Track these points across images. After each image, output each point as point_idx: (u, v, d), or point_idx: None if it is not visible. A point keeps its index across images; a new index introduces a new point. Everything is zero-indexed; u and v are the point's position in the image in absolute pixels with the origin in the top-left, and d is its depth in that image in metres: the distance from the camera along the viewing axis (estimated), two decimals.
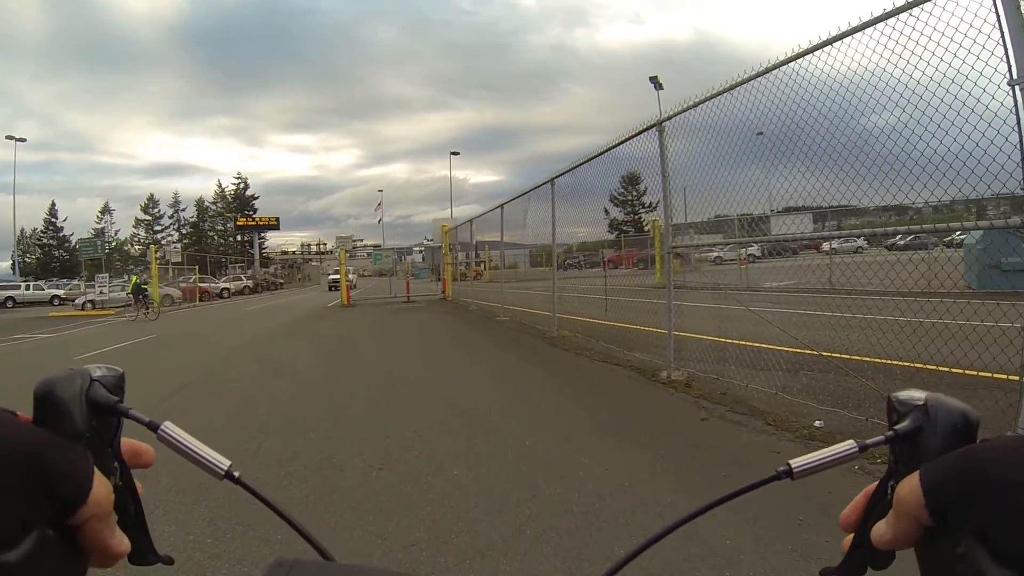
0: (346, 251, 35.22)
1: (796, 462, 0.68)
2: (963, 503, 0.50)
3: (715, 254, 26.18)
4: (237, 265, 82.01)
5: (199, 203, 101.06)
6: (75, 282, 40.62)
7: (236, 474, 0.69)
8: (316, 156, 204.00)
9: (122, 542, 0.60)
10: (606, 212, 17.87)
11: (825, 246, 17.51)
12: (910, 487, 0.54)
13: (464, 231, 30.05)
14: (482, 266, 34.28)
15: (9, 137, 58.28)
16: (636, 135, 9.79)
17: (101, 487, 0.56)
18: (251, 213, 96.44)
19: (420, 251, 38.01)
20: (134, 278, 35.42)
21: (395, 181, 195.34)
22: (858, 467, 4.55)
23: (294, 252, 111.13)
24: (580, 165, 12.71)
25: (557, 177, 14.07)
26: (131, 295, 32.90)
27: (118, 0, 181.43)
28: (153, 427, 0.65)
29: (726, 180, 8.26)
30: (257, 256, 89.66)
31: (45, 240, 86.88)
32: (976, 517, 0.49)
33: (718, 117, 8.07)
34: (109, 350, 16.74)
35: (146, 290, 32.97)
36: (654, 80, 63.34)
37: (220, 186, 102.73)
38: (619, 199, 64.50)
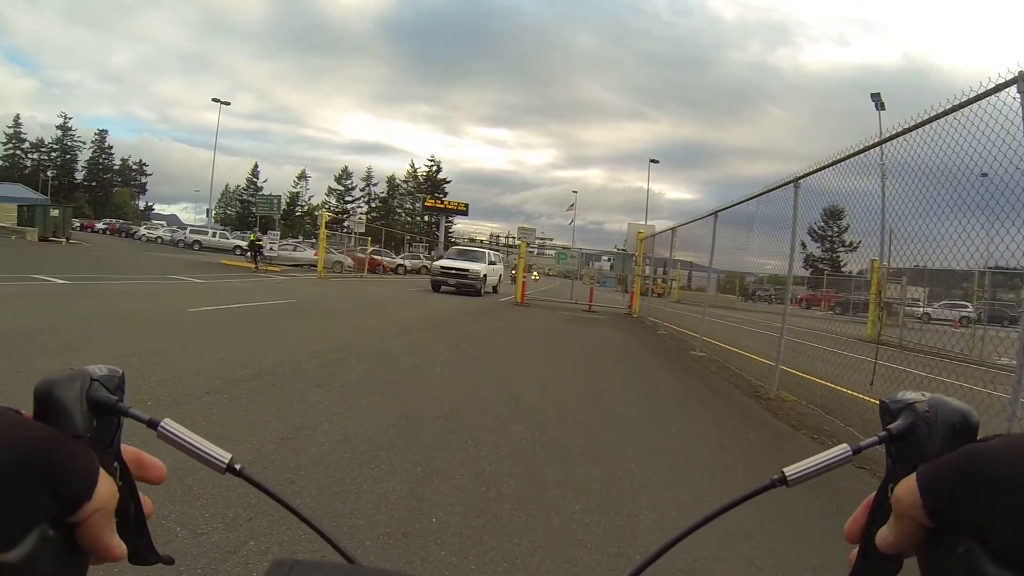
0: (527, 244, 31.69)
1: (790, 469, 0.68)
2: (960, 502, 0.50)
3: (923, 310, 23.80)
4: (421, 245, 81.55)
5: (390, 180, 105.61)
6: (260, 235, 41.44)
7: (238, 467, 0.70)
8: (513, 151, 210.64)
9: (120, 544, 0.59)
10: (803, 246, 16.68)
11: None
12: (907, 487, 0.54)
13: (660, 242, 27.04)
14: (669, 284, 31.52)
15: (215, 100, 63.15)
16: (857, 153, 8.50)
17: (106, 485, 0.57)
18: (441, 196, 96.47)
19: (608, 259, 34.14)
20: (251, 235, 40.41)
21: (590, 186, 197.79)
22: None
23: (482, 241, 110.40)
24: (833, 164, 9.43)
25: (803, 177, 10.46)
26: (248, 249, 39.22)
27: None
28: (153, 424, 0.65)
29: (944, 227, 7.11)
30: (442, 238, 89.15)
31: (245, 196, 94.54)
32: (974, 516, 0.49)
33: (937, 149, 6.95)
34: (227, 308, 15.06)
35: (261, 245, 36.66)
36: (876, 98, 56.86)
37: (413, 166, 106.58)
38: (818, 233, 62.07)
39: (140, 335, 9.89)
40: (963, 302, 25.41)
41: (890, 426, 0.62)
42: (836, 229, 59.89)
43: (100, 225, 77.78)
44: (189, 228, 64.27)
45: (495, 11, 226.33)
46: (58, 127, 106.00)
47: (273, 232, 40.82)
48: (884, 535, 0.57)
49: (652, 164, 77.87)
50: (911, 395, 0.63)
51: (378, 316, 16.38)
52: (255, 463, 4.74)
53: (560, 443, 6.18)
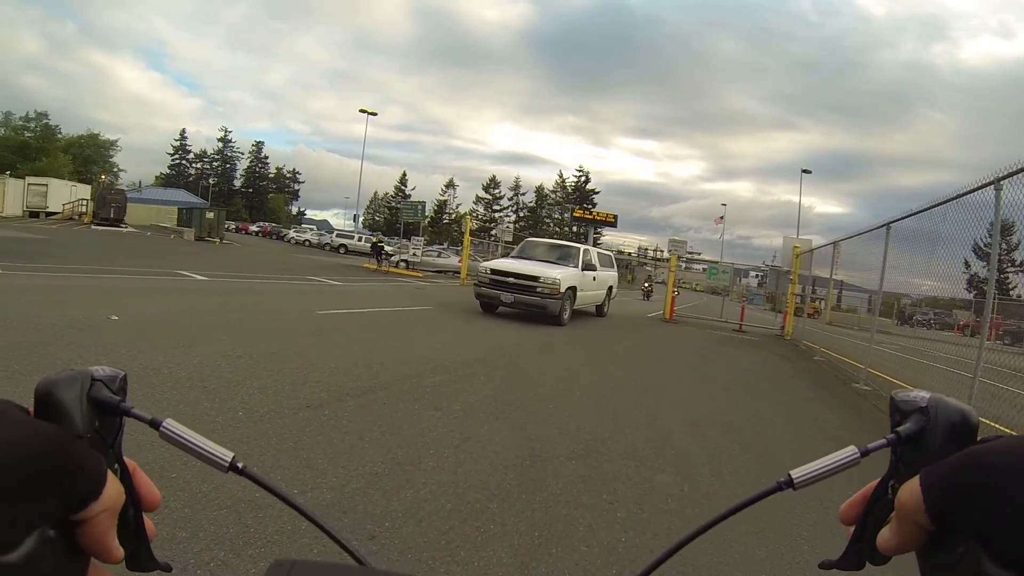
0: (678, 257, 30.71)
1: (797, 472, 0.69)
2: (963, 504, 0.51)
3: None
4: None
5: (539, 190, 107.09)
6: (403, 241, 43.01)
7: (240, 465, 0.69)
8: (660, 163, 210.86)
9: (118, 548, 0.59)
10: (966, 265, 14.46)
11: None
12: (910, 491, 0.55)
13: (815, 258, 25.40)
14: (821, 304, 29.32)
15: (362, 111, 63.34)
16: None
17: (113, 486, 0.58)
18: (589, 207, 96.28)
19: (757, 275, 32.86)
20: (375, 238, 43.63)
21: (738, 199, 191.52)
22: None
23: (630, 253, 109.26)
24: None
25: (1007, 177, 8.78)
26: (372, 251, 42.41)
27: (473, 10, 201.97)
28: (155, 425, 0.65)
29: None
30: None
31: (393, 203, 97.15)
32: (976, 518, 0.50)
33: None
34: (358, 312, 15.31)
35: (382, 247, 39.23)
36: None
37: (561, 176, 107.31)
38: (985, 251, 57.24)
39: (258, 334, 10.00)
40: None
41: (899, 428, 0.63)
42: (1005, 247, 55.07)
43: (254, 228, 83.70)
44: (336, 232, 67.01)
45: (636, 21, 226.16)
46: (219, 139, 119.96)
47: (417, 238, 41.70)
48: (885, 538, 0.59)
49: (804, 175, 74.80)
50: (922, 396, 0.63)
51: (516, 328, 15.91)
52: (333, 504, 4.22)
53: (715, 503, 5.16)
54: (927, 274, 13.23)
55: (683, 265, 32.82)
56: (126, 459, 0.63)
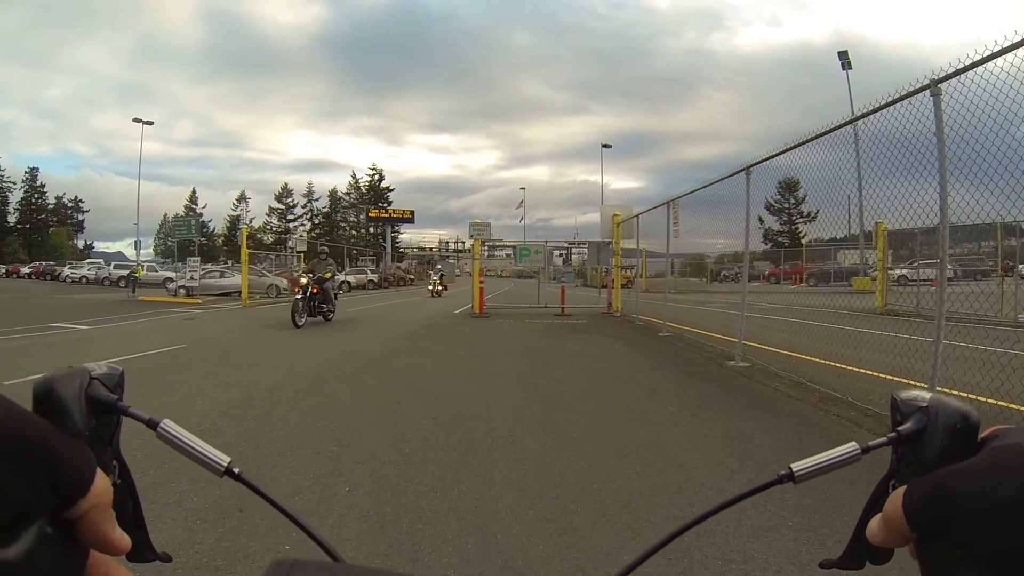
0: (482, 242, 26.51)
1: (797, 465, 0.70)
2: (938, 525, 0.53)
3: (898, 272, 24.05)
4: (367, 258, 77.64)
5: (332, 193, 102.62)
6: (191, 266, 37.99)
7: (236, 470, 0.70)
8: (456, 156, 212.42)
9: (123, 537, 0.59)
10: (760, 221, 16.97)
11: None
12: (894, 505, 0.56)
13: (625, 230, 23.36)
14: (631, 272, 27.64)
15: (136, 120, 57.28)
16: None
17: (101, 480, 0.57)
18: (385, 206, 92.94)
19: (561, 254, 29.72)
20: (139, 270, 39.99)
21: (536, 184, 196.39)
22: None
23: (431, 249, 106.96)
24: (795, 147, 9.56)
25: (755, 165, 11.04)
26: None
27: (266, 12, 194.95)
28: (152, 425, 0.65)
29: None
30: (389, 249, 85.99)
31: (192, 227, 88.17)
32: (953, 537, 0.51)
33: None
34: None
35: (135, 277, 37.21)
36: (843, 56, 54.77)
37: (354, 177, 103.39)
38: (776, 207, 60.19)
39: None
40: (935, 260, 22.58)
41: (900, 428, 0.64)
42: (793, 201, 58.82)
43: (25, 269, 73.88)
44: (113, 264, 59.17)
45: (431, 18, 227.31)
46: None
47: (193, 259, 36.49)
48: (873, 531, 0.60)
49: (605, 149, 74.31)
50: (922, 396, 0.64)
51: (291, 359, 11.88)
52: None
53: None
54: (726, 234, 14.14)
55: (487, 252, 28.58)
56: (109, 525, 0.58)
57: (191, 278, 34.78)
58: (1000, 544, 0.47)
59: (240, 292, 30.98)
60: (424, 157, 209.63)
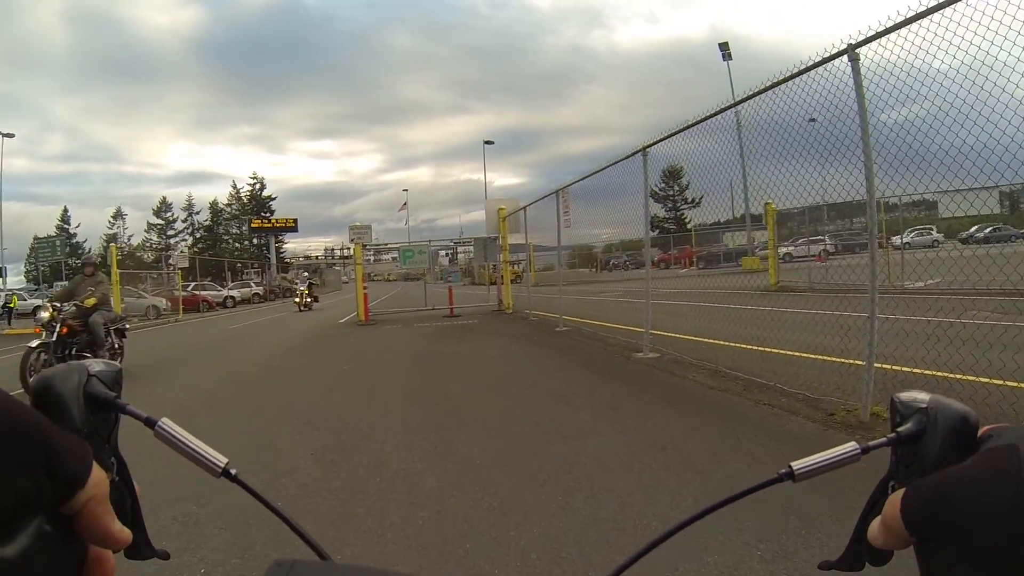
0: (363, 246, 24.46)
1: (798, 464, 0.69)
2: (935, 528, 0.53)
3: (784, 250, 24.94)
4: (253, 270, 75.18)
5: (213, 205, 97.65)
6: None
7: (233, 472, 0.70)
8: (339, 162, 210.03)
9: (123, 530, 0.59)
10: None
11: (896, 240, 19.25)
12: (893, 509, 0.57)
13: (511, 222, 22.59)
14: (519, 267, 27.65)
15: None
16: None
17: (98, 472, 0.57)
18: (268, 215, 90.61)
19: (447, 253, 28.87)
20: (14, 298, 35.44)
21: (419, 185, 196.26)
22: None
23: (317, 257, 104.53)
24: (685, 129, 9.53)
25: (652, 145, 10.69)
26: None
27: (139, 15, 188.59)
28: (150, 423, 0.66)
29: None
30: (273, 260, 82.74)
31: (57, 246, 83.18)
32: (950, 540, 0.51)
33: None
34: None
35: (11, 309, 33.17)
36: (724, 47, 56.09)
37: (235, 187, 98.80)
38: (660, 195, 61.49)
39: None
40: (818, 237, 26.57)
41: (899, 429, 0.64)
42: (677, 188, 61.15)
43: None
44: None
45: (311, 20, 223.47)
46: None
47: (60, 283, 33.75)
48: (874, 534, 0.60)
49: (487, 146, 73.64)
50: (921, 397, 0.64)
51: (186, 381, 10.79)
52: None
53: None
54: (615, 222, 14.13)
55: (371, 256, 26.96)
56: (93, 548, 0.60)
57: (53, 306, 31.51)
58: (998, 546, 0.47)
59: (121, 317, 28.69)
60: (307, 164, 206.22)
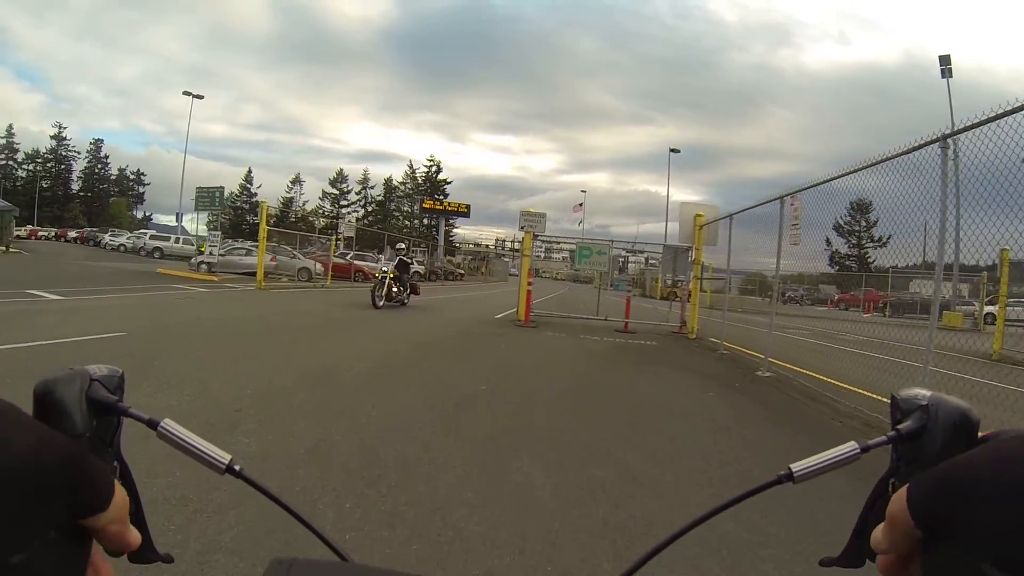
0: (534, 235, 20.37)
1: (797, 466, 0.68)
2: (947, 519, 0.51)
3: (986, 310, 22.69)
4: (420, 249, 74.49)
5: (387, 182, 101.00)
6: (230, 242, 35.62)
7: (238, 468, 0.70)
8: (518, 157, 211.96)
9: (135, 534, 0.61)
10: (828, 243, 17.34)
11: None
12: (899, 502, 0.55)
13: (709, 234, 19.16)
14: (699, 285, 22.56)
15: (186, 93, 56.17)
16: None
17: (120, 495, 0.58)
18: (441, 198, 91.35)
19: (621, 259, 25.72)
20: (204, 245, 35.74)
21: (596, 190, 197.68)
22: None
23: (487, 246, 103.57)
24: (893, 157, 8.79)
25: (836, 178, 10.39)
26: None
27: (333, 5, 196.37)
28: (153, 425, 0.65)
29: None
30: (441, 242, 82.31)
31: (239, 203, 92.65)
32: (961, 529, 0.50)
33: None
34: None
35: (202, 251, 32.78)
36: (945, 61, 49.21)
37: (411, 167, 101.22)
38: (846, 228, 56.10)
39: None
40: None
41: (900, 427, 0.63)
42: (864, 224, 56.69)
43: (72, 234, 75.54)
44: (149, 235, 57.64)
45: (497, 19, 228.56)
46: (52, 136, 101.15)
47: (214, 232, 33.33)
48: (877, 539, 0.59)
49: (672, 154, 69.79)
50: (922, 394, 0.63)
51: (239, 369, 8.25)
52: None
53: None
54: (789, 254, 12.63)
55: (541, 250, 23.86)
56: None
57: (210, 253, 31.57)
58: (1010, 530, 0.46)
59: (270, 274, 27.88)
60: (486, 156, 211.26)
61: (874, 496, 0.65)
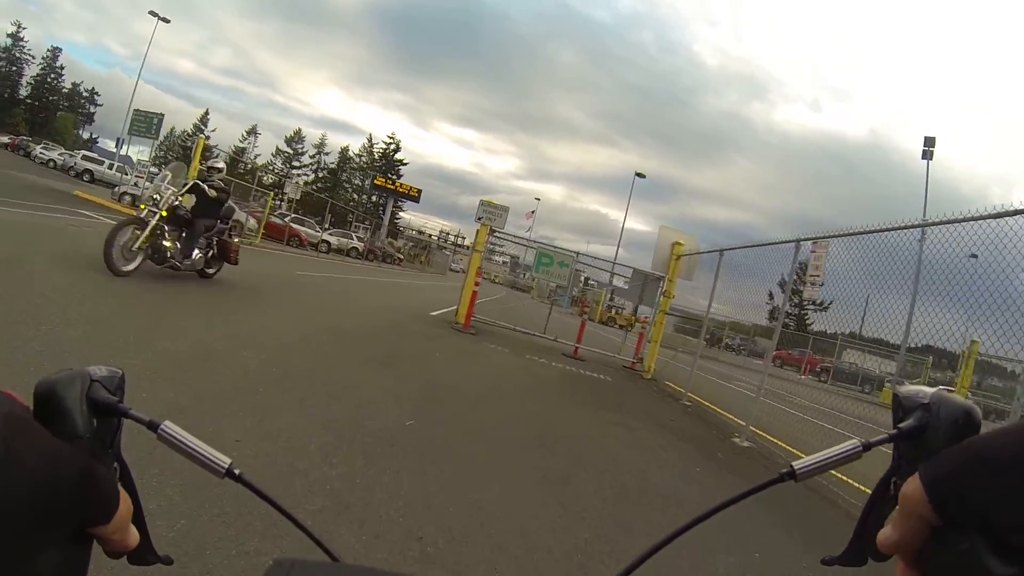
0: (490, 230, 17.81)
1: (799, 464, 0.68)
2: (965, 492, 0.50)
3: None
4: (362, 226, 71.76)
5: (343, 151, 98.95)
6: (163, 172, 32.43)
7: (237, 471, 0.69)
8: (477, 154, 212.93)
9: (134, 536, 0.62)
10: (770, 296, 15.67)
11: None
12: (913, 485, 0.54)
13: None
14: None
15: (152, 13, 51.21)
16: None
17: (124, 503, 0.59)
18: (394, 177, 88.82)
19: (584, 275, 24.33)
20: None
21: (549, 201, 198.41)
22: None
23: (431, 236, 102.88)
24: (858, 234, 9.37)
25: (814, 239, 10.35)
26: None
27: None
28: (153, 427, 0.65)
29: None
30: (386, 222, 79.06)
31: (189, 143, 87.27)
32: (980, 504, 0.49)
33: None
34: None
35: None
36: (929, 143, 47.66)
37: (370, 141, 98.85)
38: (793, 287, 55.17)
39: None
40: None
41: (901, 424, 0.62)
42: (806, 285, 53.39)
43: (3, 139, 70.87)
44: (82, 154, 53.52)
45: (483, 12, 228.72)
46: (8, 35, 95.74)
47: (142, 163, 30.32)
48: (887, 535, 0.57)
49: (637, 179, 68.38)
50: (924, 391, 0.62)
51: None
52: None
53: None
54: (731, 302, 13.83)
55: (490, 249, 21.08)
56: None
57: (135, 184, 29.12)
58: None
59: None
60: (446, 146, 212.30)
61: (875, 496, 0.64)
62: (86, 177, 47.23)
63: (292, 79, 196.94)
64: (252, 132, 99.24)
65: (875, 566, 0.65)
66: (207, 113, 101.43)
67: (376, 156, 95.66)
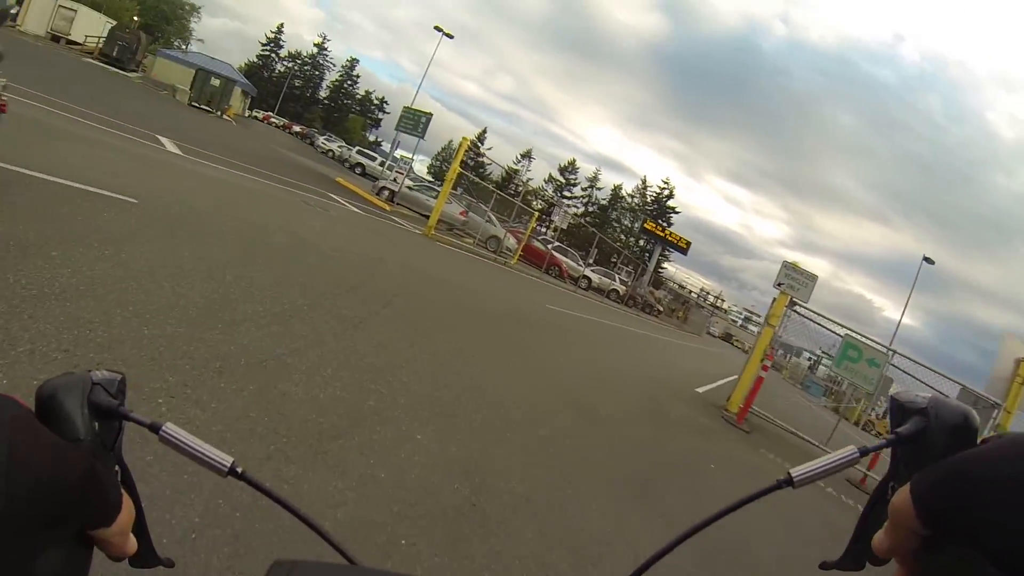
0: (791, 299, 14.32)
1: (797, 470, 0.68)
2: (953, 512, 0.50)
3: None
4: (626, 268, 70.00)
5: (616, 189, 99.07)
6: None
7: (240, 470, 0.70)
8: (746, 214, 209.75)
9: (133, 543, 0.62)
10: None
11: None
12: (902, 498, 0.54)
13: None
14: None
15: (437, 28, 53.24)
16: None
17: (127, 507, 0.60)
18: (664, 224, 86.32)
19: (811, 359, 28.14)
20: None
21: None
22: None
23: (690, 292, 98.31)
24: None
25: None
26: None
27: (608, 6, 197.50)
28: (155, 429, 0.65)
29: None
30: (651, 268, 76.59)
31: (465, 159, 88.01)
32: (966, 522, 0.49)
33: None
34: None
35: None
36: None
37: (644, 183, 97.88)
38: None
39: None
40: None
41: (899, 429, 0.61)
42: None
43: (296, 128, 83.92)
44: (356, 149, 58.74)
45: (763, 66, 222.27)
46: (315, 44, 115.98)
47: (407, 157, 31.60)
48: (880, 540, 0.58)
49: (925, 264, 59.85)
50: (921, 397, 0.62)
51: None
52: None
53: None
54: None
55: (786, 322, 14.97)
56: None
57: (394, 180, 29.41)
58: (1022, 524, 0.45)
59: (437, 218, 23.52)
60: (715, 201, 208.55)
61: (874, 500, 0.64)
62: (358, 170, 50.99)
63: (569, 111, 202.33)
64: (527, 156, 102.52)
65: (872, 570, 0.65)
66: (484, 131, 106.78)
67: (648, 199, 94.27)
